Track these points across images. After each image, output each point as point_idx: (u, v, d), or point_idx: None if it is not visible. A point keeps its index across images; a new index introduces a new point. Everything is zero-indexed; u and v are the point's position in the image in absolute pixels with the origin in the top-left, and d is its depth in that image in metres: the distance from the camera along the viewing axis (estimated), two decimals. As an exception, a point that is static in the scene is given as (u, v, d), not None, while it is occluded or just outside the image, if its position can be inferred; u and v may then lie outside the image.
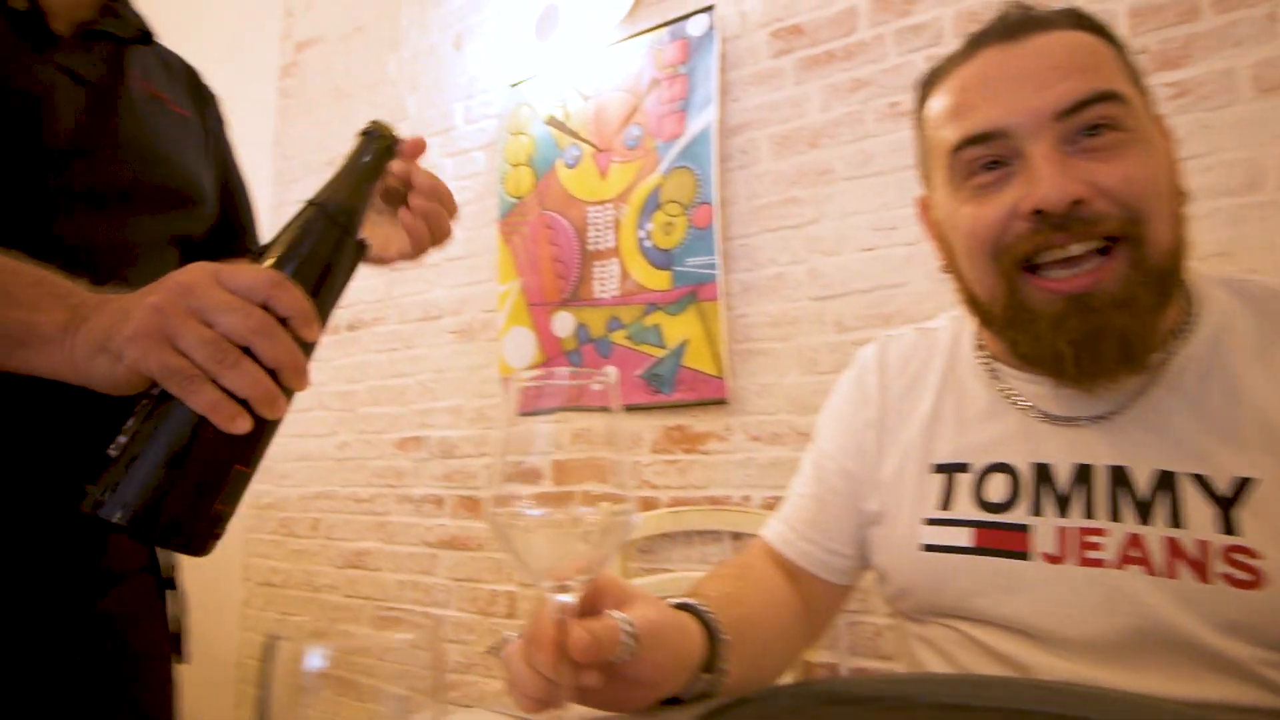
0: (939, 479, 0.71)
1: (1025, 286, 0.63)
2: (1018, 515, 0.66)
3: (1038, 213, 0.60)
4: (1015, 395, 0.70)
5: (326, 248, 0.55)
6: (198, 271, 0.49)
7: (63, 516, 0.64)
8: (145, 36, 0.79)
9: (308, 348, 0.53)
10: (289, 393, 0.51)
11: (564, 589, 0.47)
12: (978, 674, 0.63)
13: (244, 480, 0.52)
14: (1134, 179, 0.60)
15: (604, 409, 0.49)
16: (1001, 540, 0.65)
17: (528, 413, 0.50)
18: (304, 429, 2.61)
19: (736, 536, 1.75)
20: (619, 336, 1.95)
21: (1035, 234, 0.61)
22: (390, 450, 2.42)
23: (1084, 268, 0.61)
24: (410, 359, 2.42)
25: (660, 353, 1.87)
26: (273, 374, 0.49)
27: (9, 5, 0.65)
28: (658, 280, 1.89)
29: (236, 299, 0.47)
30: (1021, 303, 0.63)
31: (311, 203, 0.55)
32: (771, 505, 1.71)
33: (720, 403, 1.78)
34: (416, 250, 0.73)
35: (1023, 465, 0.67)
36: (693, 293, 1.83)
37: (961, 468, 0.70)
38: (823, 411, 0.84)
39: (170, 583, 0.78)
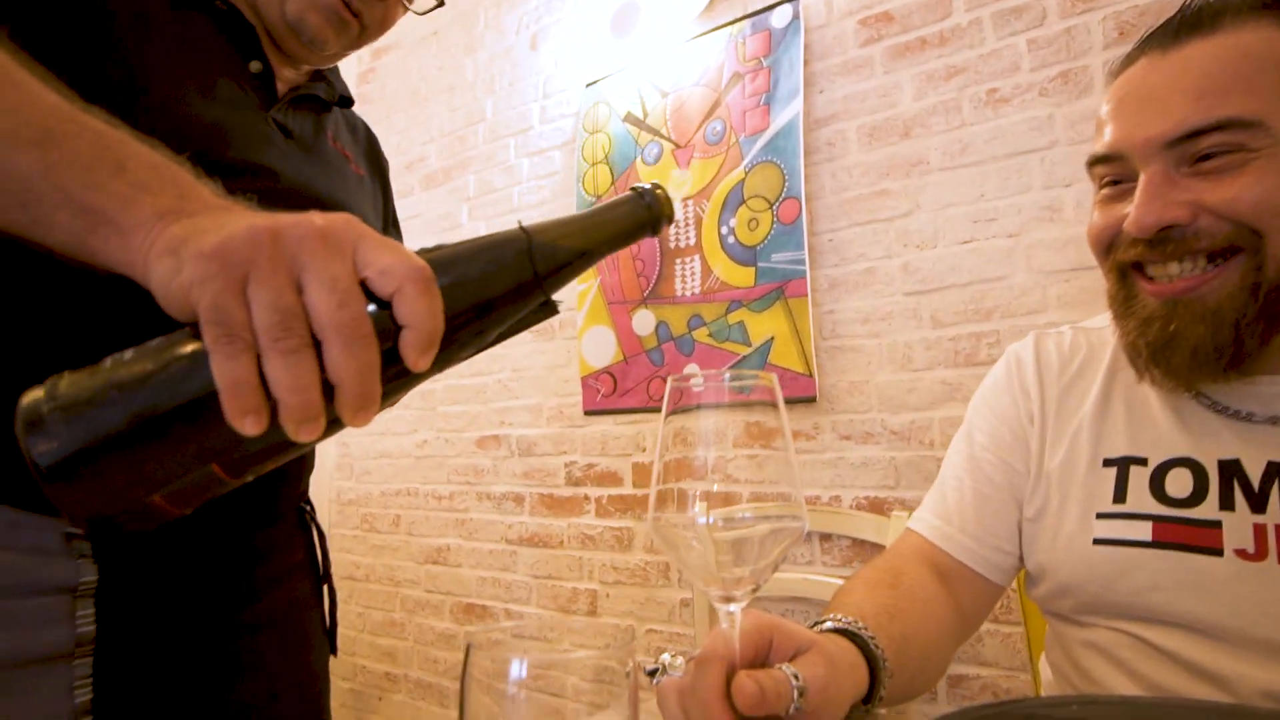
0: (1110, 472, 0.68)
1: (1135, 283, 0.66)
2: (1205, 510, 0.62)
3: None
4: (1196, 390, 0.67)
5: (503, 281, 0.43)
6: (345, 224, 0.39)
7: (221, 526, 0.65)
8: (344, 101, 0.86)
9: (401, 382, 0.40)
10: (336, 422, 0.38)
11: (729, 598, 0.45)
12: (1191, 699, 0.58)
13: (215, 485, 0.40)
14: (1242, 200, 0.59)
15: (770, 405, 0.47)
16: (1186, 535, 0.62)
17: (679, 411, 0.48)
18: (384, 427, 2.66)
19: (826, 537, 1.70)
20: (701, 334, 1.93)
21: (1133, 247, 0.65)
22: (470, 448, 2.45)
23: (1189, 274, 0.62)
24: (489, 357, 2.44)
25: (744, 350, 1.84)
26: (332, 391, 0.37)
27: (249, 68, 0.73)
28: (741, 277, 1.86)
29: (347, 279, 0.37)
30: (1129, 296, 0.67)
31: (522, 228, 0.44)
32: (864, 506, 1.66)
33: (809, 400, 1.74)
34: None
35: (1207, 460, 0.64)
36: (779, 289, 1.79)
37: (1137, 460, 0.67)
38: (972, 406, 0.82)
39: (326, 577, 0.79)
